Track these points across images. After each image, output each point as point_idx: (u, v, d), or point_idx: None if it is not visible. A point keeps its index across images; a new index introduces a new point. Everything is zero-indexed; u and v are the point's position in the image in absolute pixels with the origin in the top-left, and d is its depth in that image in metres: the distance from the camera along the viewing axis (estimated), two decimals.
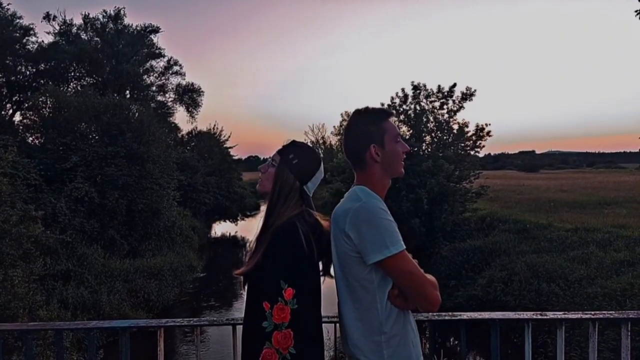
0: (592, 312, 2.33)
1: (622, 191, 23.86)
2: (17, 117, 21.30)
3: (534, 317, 2.33)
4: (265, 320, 1.52)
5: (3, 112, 21.45)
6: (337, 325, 1.86)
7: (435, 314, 2.32)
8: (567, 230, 13.57)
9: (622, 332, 2.27)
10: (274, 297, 1.52)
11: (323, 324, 1.76)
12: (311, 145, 1.89)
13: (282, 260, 1.55)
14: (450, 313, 2.41)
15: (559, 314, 2.34)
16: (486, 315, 2.35)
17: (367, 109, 1.69)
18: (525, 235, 13.87)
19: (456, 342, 9.87)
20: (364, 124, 1.66)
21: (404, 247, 1.50)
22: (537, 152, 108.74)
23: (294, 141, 1.79)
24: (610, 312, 2.38)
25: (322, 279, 1.72)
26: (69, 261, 12.16)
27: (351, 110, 1.75)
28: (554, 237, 13.04)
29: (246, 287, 1.68)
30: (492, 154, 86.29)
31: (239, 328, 1.94)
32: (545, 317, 2.35)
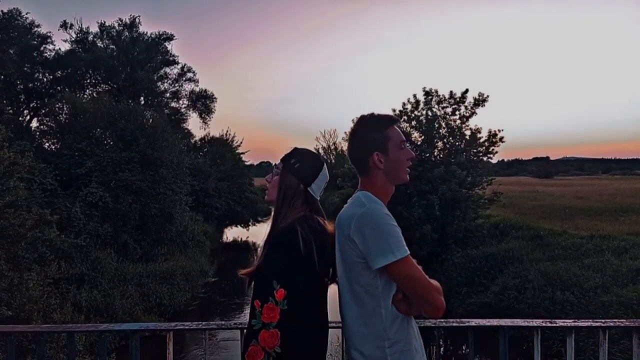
0: (603, 320, 2.31)
1: (638, 198, 23.45)
2: (35, 123, 21.74)
3: (543, 324, 2.31)
4: (254, 318, 1.56)
5: (21, 118, 21.86)
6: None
7: (443, 320, 2.31)
8: (582, 237, 13.38)
9: (634, 341, 2.24)
10: (265, 296, 1.56)
11: (332, 329, 1.77)
12: (315, 151, 1.91)
13: (277, 261, 1.58)
14: (458, 320, 2.40)
15: (569, 322, 2.32)
16: (495, 322, 2.33)
17: (372, 115, 1.70)
18: (539, 243, 13.70)
19: (468, 350, 9.76)
20: (367, 131, 1.67)
21: (408, 252, 1.50)
22: (552, 158, 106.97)
23: (295, 148, 1.82)
24: (621, 320, 2.35)
25: (328, 283, 1.73)
26: (83, 265, 12.32)
27: None
28: (568, 245, 12.86)
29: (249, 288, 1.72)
30: (505, 160, 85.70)
31: None
32: (554, 324, 2.32)
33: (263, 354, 1.53)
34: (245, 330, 1.66)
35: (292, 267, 1.58)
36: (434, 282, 1.56)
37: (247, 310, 1.68)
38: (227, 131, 31.64)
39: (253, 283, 1.66)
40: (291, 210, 1.69)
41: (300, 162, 1.75)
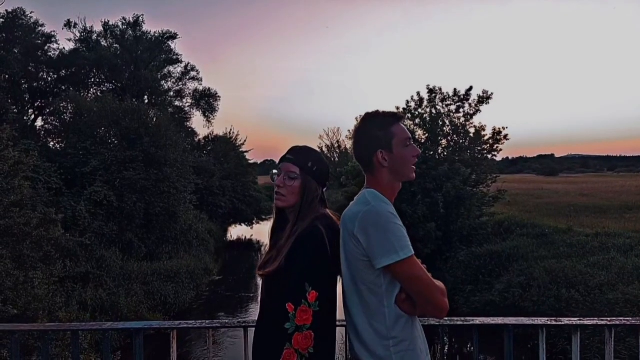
0: (608, 319, 2.28)
1: None
2: (39, 123, 21.87)
3: (548, 323, 2.29)
4: (287, 322, 1.54)
5: (25, 118, 21.95)
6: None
7: (448, 318, 2.30)
8: (587, 235, 13.32)
9: None
10: (298, 299, 1.54)
11: (338, 327, 1.77)
12: (316, 148, 1.89)
13: (308, 263, 1.58)
14: (463, 318, 2.38)
15: (574, 320, 2.30)
16: (499, 320, 2.31)
17: (376, 112, 1.67)
18: (544, 240, 13.64)
19: (472, 348, 9.74)
20: (372, 128, 1.65)
21: (413, 252, 1.48)
22: (557, 155, 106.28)
23: (295, 148, 1.79)
24: (627, 318, 2.33)
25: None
26: (88, 264, 12.38)
27: None
28: (573, 242, 12.80)
29: (264, 288, 1.70)
30: (510, 157, 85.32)
31: (251, 331, 1.95)
32: (560, 323, 2.30)
33: (296, 356, 1.53)
34: (263, 330, 1.65)
35: (321, 268, 1.58)
36: (439, 283, 1.54)
37: (252, 308, 1.68)
38: (231, 130, 31.76)
39: (275, 284, 1.64)
40: (311, 210, 1.69)
41: (317, 165, 1.74)
